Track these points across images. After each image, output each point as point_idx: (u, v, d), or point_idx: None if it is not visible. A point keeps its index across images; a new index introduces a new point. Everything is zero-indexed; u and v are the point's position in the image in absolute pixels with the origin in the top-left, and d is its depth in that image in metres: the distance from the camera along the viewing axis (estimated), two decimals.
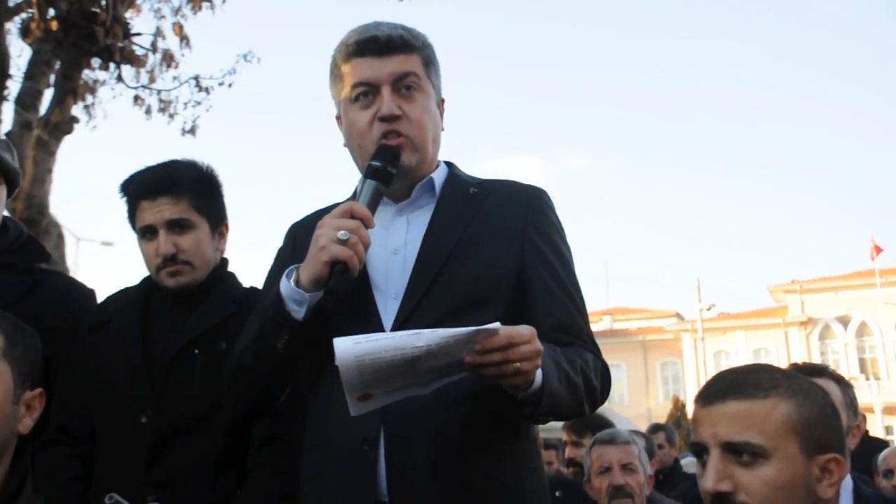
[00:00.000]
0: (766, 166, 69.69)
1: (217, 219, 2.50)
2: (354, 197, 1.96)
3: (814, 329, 39.84)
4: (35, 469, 2.11)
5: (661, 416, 27.11)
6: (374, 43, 1.89)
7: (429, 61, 1.97)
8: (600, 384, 1.88)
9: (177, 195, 2.40)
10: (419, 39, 1.95)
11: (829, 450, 1.58)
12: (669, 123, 71.20)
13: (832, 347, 38.82)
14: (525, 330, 1.58)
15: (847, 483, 2.35)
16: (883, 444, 5.41)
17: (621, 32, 76.66)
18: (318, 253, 1.72)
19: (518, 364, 1.56)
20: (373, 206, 1.81)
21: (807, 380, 1.68)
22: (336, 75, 1.98)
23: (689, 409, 33.87)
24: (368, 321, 1.82)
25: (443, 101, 2.05)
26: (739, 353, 38.57)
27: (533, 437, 1.93)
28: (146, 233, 2.39)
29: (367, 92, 1.90)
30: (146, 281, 2.52)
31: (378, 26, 1.93)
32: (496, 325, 1.54)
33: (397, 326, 1.79)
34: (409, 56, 1.91)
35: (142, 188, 2.42)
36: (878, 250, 36.64)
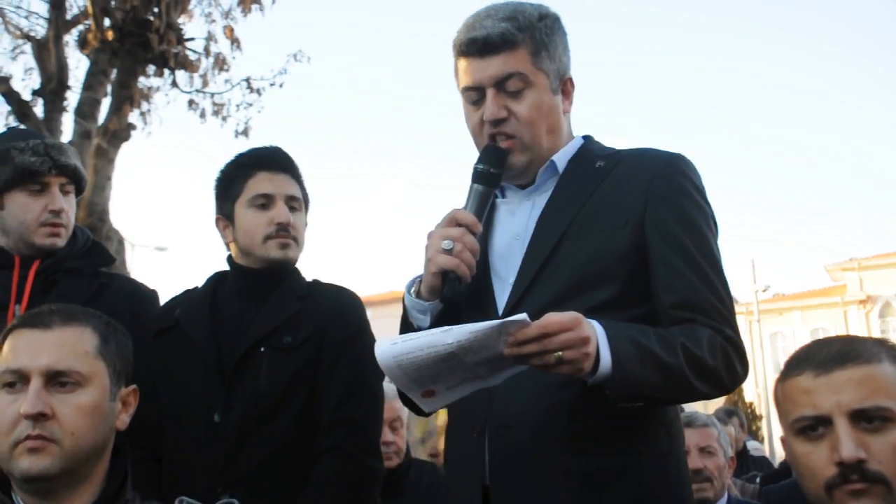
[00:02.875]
0: (817, 143, 68.05)
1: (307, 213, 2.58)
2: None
3: (873, 307, 38.84)
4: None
5: (718, 401, 26.68)
6: (474, 45, 1.85)
7: (539, 48, 1.87)
8: (721, 361, 1.72)
9: (295, 176, 2.50)
10: (527, 25, 1.85)
11: None
12: (713, 101, 69.93)
13: (893, 325, 37.79)
14: (565, 317, 1.54)
15: None
16: None
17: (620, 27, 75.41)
18: (426, 265, 1.77)
19: (560, 353, 1.52)
20: (479, 209, 1.82)
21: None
22: (454, 69, 1.95)
23: (747, 392, 33.39)
24: (485, 306, 1.84)
25: (569, 79, 1.95)
26: (796, 334, 37.74)
27: (666, 420, 1.82)
28: (261, 202, 2.43)
29: (475, 95, 1.89)
30: (211, 280, 2.57)
31: (481, 21, 1.86)
32: (522, 316, 1.52)
33: (508, 311, 1.78)
34: (512, 53, 1.84)
35: (265, 159, 2.49)
36: None
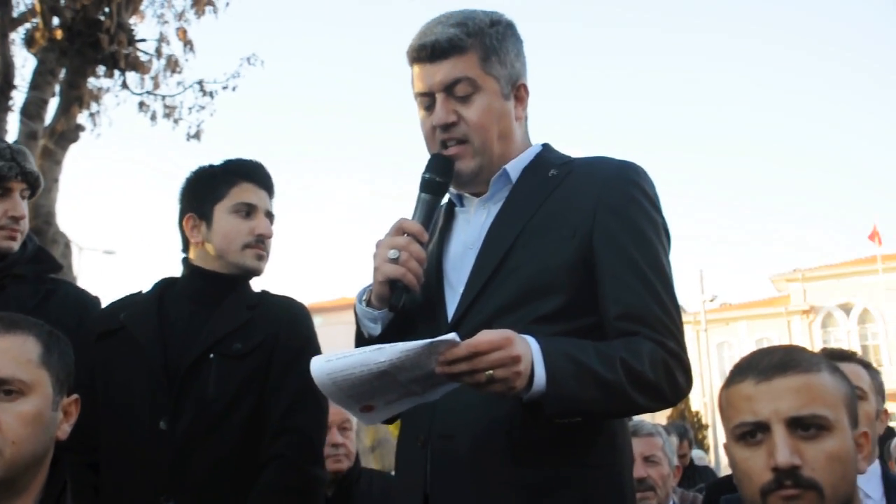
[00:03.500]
0: (764, 155, 69.59)
1: None
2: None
3: (816, 317, 39.75)
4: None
5: (666, 410, 27.04)
6: (424, 50, 1.87)
7: (489, 53, 1.87)
8: (662, 375, 1.71)
9: (271, 193, 2.57)
10: (474, 33, 1.86)
11: (857, 424, 1.59)
12: (665, 115, 71.09)
13: (834, 335, 38.67)
14: (495, 336, 1.54)
15: (875, 467, 2.37)
16: (891, 432, 5.44)
17: (599, 31, 76.53)
18: (374, 274, 1.78)
19: (490, 372, 1.52)
20: (426, 218, 1.83)
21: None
22: (410, 75, 1.96)
23: (694, 401, 33.91)
24: (436, 315, 1.85)
25: (522, 85, 1.95)
26: (742, 343, 38.46)
27: (609, 432, 1.80)
28: (245, 210, 2.48)
29: (427, 100, 1.90)
30: (158, 285, 2.55)
31: (432, 28, 1.88)
32: (452, 335, 1.52)
33: (456, 320, 1.80)
34: (461, 58, 1.85)
35: (252, 172, 2.55)
36: (881, 236, 36.63)
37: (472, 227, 1.93)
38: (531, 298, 1.77)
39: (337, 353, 1.57)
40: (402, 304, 1.77)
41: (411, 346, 1.50)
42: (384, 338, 1.80)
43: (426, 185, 1.86)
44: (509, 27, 1.94)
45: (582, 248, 1.79)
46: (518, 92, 1.95)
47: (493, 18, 1.91)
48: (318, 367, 1.55)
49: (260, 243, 2.48)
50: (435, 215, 1.88)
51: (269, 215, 2.54)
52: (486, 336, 1.53)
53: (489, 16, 1.91)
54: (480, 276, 1.82)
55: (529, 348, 1.60)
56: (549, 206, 1.84)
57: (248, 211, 2.48)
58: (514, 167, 1.92)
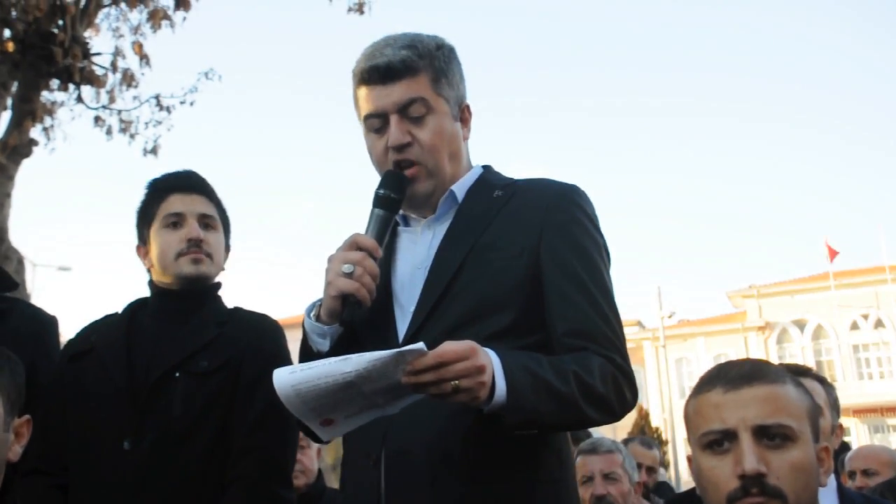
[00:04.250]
0: (720, 173, 70.81)
1: (227, 239, 2.61)
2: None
3: (772, 333, 40.44)
4: (20, 499, 2.10)
5: (626, 426, 27.32)
6: (376, 72, 1.88)
7: (439, 75, 1.92)
8: (611, 388, 1.75)
9: (209, 197, 2.54)
10: (426, 54, 1.90)
11: (819, 439, 1.63)
12: (622, 133, 72.09)
13: (789, 351, 39.38)
14: (460, 346, 1.55)
15: (831, 481, 2.39)
16: (845, 446, 5.53)
17: (573, 45, 77.52)
18: (326, 288, 1.76)
19: (456, 382, 1.53)
20: (380, 234, 1.83)
21: None
22: (354, 98, 1.98)
23: (654, 418, 34.19)
24: (386, 334, 1.85)
25: (467, 107, 2.01)
26: (700, 359, 38.96)
27: (556, 447, 1.84)
28: (172, 221, 2.46)
29: (378, 122, 1.91)
30: (130, 306, 2.54)
31: (381, 50, 1.90)
32: (419, 345, 1.52)
33: (408, 339, 1.80)
34: (414, 78, 1.88)
35: (176, 182, 2.53)
36: (833, 252, 37.41)
37: (419, 247, 1.95)
38: (482, 316, 1.79)
39: (300, 364, 1.57)
40: (352, 320, 1.78)
41: (378, 355, 1.50)
42: (332, 354, 1.76)
43: (380, 201, 1.86)
44: (452, 51, 1.99)
45: (530, 267, 1.84)
46: (463, 113, 2.00)
47: (438, 42, 1.96)
48: (282, 378, 1.53)
49: (193, 248, 2.43)
50: (387, 231, 1.88)
51: (207, 217, 2.50)
52: (451, 346, 1.54)
53: (434, 39, 1.96)
54: (431, 295, 1.83)
55: (490, 359, 1.61)
56: (497, 226, 1.88)
57: (176, 221, 2.46)
58: (460, 188, 1.96)
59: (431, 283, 1.85)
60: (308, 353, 1.85)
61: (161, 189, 2.52)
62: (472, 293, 1.81)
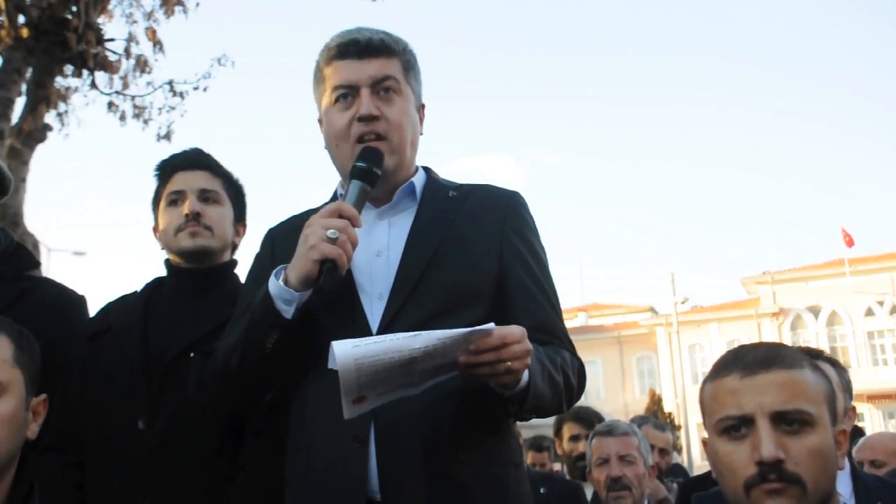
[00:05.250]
0: (737, 159, 70.37)
1: (240, 213, 2.61)
2: (335, 199, 2.01)
3: (785, 319, 40.30)
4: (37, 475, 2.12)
5: (638, 410, 27.31)
6: (355, 45, 1.94)
7: (409, 66, 2.01)
8: (577, 381, 1.93)
9: (214, 173, 2.54)
10: (400, 45, 2.00)
11: (837, 422, 1.61)
12: (638, 121, 71.68)
13: (803, 337, 39.23)
14: (517, 329, 1.62)
15: (844, 464, 2.42)
16: (857, 430, 5.49)
17: (590, 33, 77.03)
18: (307, 252, 1.75)
19: (510, 363, 1.60)
20: (359, 206, 1.85)
21: None
22: (318, 78, 2.03)
23: (666, 403, 34.21)
24: (355, 322, 1.84)
25: (423, 106, 2.09)
26: (713, 345, 38.88)
27: (514, 434, 1.97)
28: (173, 199, 2.48)
29: (346, 94, 1.95)
30: (148, 285, 2.55)
31: (360, 30, 1.98)
32: (490, 325, 1.58)
33: (384, 327, 1.82)
34: (389, 60, 1.96)
35: (181, 160, 2.54)
36: (849, 239, 37.18)
37: (375, 235, 1.97)
38: (457, 307, 1.85)
39: (365, 339, 1.57)
40: (323, 287, 1.79)
41: (449, 333, 1.56)
42: (295, 325, 1.80)
43: (362, 173, 1.87)
44: (415, 55, 2.07)
45: (496, 265, 1.94)
46: (420, 112, 2.08)
47: (404, 42, 2.04)
48: (345, 351, 1.53)
49: (191, 222, 2.45)
50: (364, 203, 1.89)
51: (207, 192, 2.50)
52: (512, 328, 1.62)
53: (402, 39, 2.04)
54: (405, 284, 1.86)
55: None
56: (460, 224, 1.96)
57: (177, 199, 2.49)
58: (418, 184, 2.04)
59: (404, 272, 1.87)
60: (268, 320, 1.81)
61: (166, 170, 2.55)
62: (447, 284, 1.86)
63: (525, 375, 1.68)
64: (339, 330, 1.77)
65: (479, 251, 1.93)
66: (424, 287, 1.85)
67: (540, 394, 1.73)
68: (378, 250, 1.94)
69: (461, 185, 2.08)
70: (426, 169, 2.12)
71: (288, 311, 1.80)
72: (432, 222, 1.96)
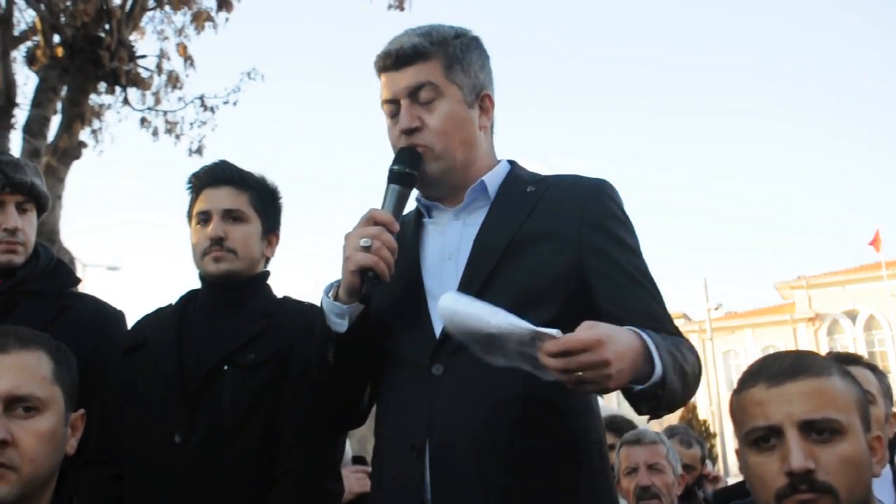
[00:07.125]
0: (768, 163, 69.61)
1: (271, 225, 2.56)
2: (417, 210, 2.02)
3: (822, 325, 39.67)
4: (77, 489, 2.15)
5: (673, 418, 26.97)
6: (390, 58, 1.93)
7: (452, 62, 1.93)
8: (699, 371, 1.80)
9: (240, 188, 2.49)
10: (437, 42, 1.93)
11: (870, 428, 1.58)
12: (665, 126, 71.21)
13: (840, 342, 38.56)
14: (588, 337, 1.50)
15: (886, 472, 2.34)
16: None
17: (614, 40, 76.74)
18: (344, 264, 1.76)
19: (580, 373, 1.50)
20: (397, 209, 1.85)
21: None
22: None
23: (701, 410, 33.77)
24: (420, 326, 1.84)
25: (486, 96, 1.99)
26: (748, 351, 38.38)
27: (595, 440, 1.85)
28: (201, 219, 2.47)
29: (393, 108, 1.94)
30: (182, 298, 2.56)
31: (398, 39, 1.95)
32: (554, 330, 1.51)
33: (447, 332, 1.75)
34: (424, 64, 1.91)
35: (209, 176, 2.51)
36: (881, 242, 36.57)
37: (448, 237, 1.94)
38: (526, 308, 1.72)
39: (465, 298, 1.59)
40: (368, 296, 1.78)
41: (519, 324, 1.52)
42: (352, 336, 1.80)
43: (396, 176, 1.87)
44: (474, 40, 2.00)
45: (570, 263, 1.83)
46: (483, 102, 1.99)
47: (458, 31, 1.98)
48: (448, 302, 1.57)
49: (215, 246, 2.42)
50: (404, 206, 1.89)
51: (233, 212, 2.46)
52: (578, 336, 1.50)
53: (454, 29, 1.98)
54: (472, 286, 1.80)
55: (630, 345, 1.58)
56: (533, 221, 1.88)
57: (205, 219, 2.46)
58: (491, 181, 1.96)
59: (470, 274, 1.84)
60: (325, 335, 1.83)
61: (195, 186, 2.54)
62: (514, 285, 1.80)
63: (658, 370, 1.60)
64: (404, 334, 1.79)
65: (550, 249, 1.83)
66: (489, 290, 1.79)
67: (672, 387, 1.63)
68: (449, 253, 1.91)
69: (544, 178, 2.00)
70: (511, 162, 2.06)
71: (341, 325, 1.81)
72: (502, 222, 1.89)
